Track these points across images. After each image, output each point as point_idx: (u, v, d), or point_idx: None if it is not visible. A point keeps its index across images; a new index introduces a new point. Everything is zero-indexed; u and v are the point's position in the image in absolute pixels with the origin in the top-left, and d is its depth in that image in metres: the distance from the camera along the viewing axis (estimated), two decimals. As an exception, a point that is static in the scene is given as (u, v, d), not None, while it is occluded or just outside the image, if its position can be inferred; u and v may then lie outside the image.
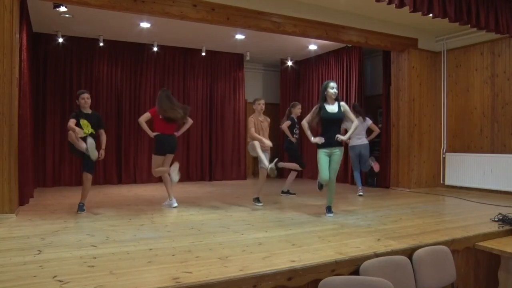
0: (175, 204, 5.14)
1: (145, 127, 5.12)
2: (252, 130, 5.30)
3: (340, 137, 4.46)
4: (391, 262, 2.85)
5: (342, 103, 4.58)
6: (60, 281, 2.28)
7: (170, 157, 5.24)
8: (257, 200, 5.33)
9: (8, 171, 4.26)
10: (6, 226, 3.87)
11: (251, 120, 5.36)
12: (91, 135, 4.62)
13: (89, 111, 4.76)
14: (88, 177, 4.74)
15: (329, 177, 4.47)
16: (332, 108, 4.50)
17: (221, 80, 9.17)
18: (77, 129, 4.49)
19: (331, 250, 3.00)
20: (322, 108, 4.50)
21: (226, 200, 5.80)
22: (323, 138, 4.46)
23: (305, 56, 9.38)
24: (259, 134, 5.33)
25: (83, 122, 4.62)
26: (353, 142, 6.47)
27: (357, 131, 6.20)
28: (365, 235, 3.51)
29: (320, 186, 4.78)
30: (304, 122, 4.67)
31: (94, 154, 4.54)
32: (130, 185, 7.86)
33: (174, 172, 5.10)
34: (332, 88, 4.48)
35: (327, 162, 4.48)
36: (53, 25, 6.88)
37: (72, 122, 4.51)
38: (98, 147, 4.67)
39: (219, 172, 9.02)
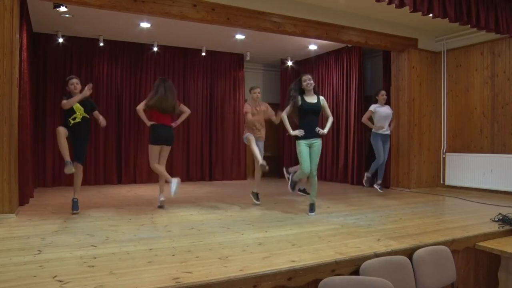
0: (162, 198, 5.09)
1: (142, 115, 5.08)
2: (249, 115, 5.26)
3: (320, 130, 4.58)
4: (391, 262, 2.85)
5: (322, 97, 4.72)
6: (60, 281, 2.28)
7: (166, 149, 5.18)
8: (256, 196, 5.32)
9: (8, 171, 4.26)
10: (6, 226, 3.87)
11: (248, 106, 5.33)
12: (83, 118, 4.66)
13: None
14: (79, 166, 4.73)
15: (311, 169, 4.57)
16: (311, 99, 4.63)
17: (221, 80, 9.17)
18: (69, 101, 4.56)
19: (331, 250, 3.00)
20: (301, 99, 4.60)
21: (226, 200, 5.80)
22: (302, 131, 4.56)
23: (305, 56, 9.38)
24: (255, 123, 5.29)
25: (76, 105, 4.63)
26: (386, 131, 6.46)
27: (388, 120, 6.42)
28: (365, 235, 3.51)
29: (293, 186, 4.83)
30: (284, 115, 4.75)
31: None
32: (130, 185, 7.86)
33: (175, 185, 4.89)
34: (305, 80, 4.61)
35: (308, 153, 4.57)
36: (53, 25, 6.87)
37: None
38: (89, 135, 4.83)
39: (219, 172, 9.02)
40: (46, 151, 7.42)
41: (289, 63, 9.57)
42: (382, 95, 6.51)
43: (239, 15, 5.46)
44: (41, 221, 4.11)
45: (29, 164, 5.29)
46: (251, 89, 5.49)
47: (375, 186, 6.56)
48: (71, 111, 4.63)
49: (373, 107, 6.45)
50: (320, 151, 4.65)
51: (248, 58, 9.03)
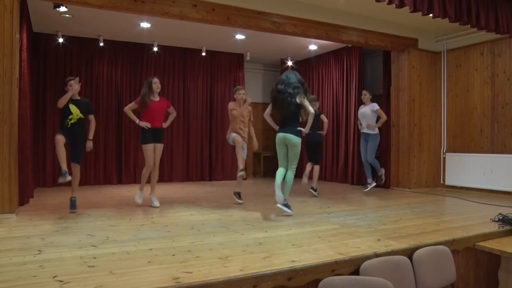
0: (139, 201, 5.25)
1: (131, 115, 5.18)
2: (235, 111, 5.44)
3: (302, 130, 4.67)
4: (391, 262, 2.85)
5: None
6: (60, 281, 2.28)
7: (159, 148, 5.30)
8: (237, 195, 5.44)
9: (8, 171, 4.26)
10: (6, 226, 3.87)
11: (232, 103, 5.50)
12: (79, 119, 4.71)
13: (78, 98, 4.81)
14: (76, 166, 4.78)
15: (284, 167, 4.64)
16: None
17: (221, 80, 9.16)
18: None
19: (331, 250, 3.00)
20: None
21: (226, 200, 5.80)
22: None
23: (305, 56, 9.38)
24: (238, 123, 5.42)
25: (72, 106, 4.69)
26: (363, 129, 6.54)
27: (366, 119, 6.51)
28: (365, 235, 3.51)
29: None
30: (266, 115, 4.92)
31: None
32: (130, 185, 7.85)
33: (154, 198, 5.25)
34: (282, 84, 4.72)
35: (282, 152, 4.67)
36: (53, 25, 6.87)
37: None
38: (85, 135, 4.84)
39: (219, 172, 9.01)
40: (46, 151, 7.41)
41: (289, 63, 9.56)
42: (364, 94, 6.60)
43: (239, 15, 5.46)
44: (41, 221, 4.11)
45: (29, 164, 5.29)
46: (235, 90, 5.59)
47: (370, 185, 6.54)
48: (68, 111, 4.67)
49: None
50: (296, 149, 4.57)
51: (248, 58, 9.03)
